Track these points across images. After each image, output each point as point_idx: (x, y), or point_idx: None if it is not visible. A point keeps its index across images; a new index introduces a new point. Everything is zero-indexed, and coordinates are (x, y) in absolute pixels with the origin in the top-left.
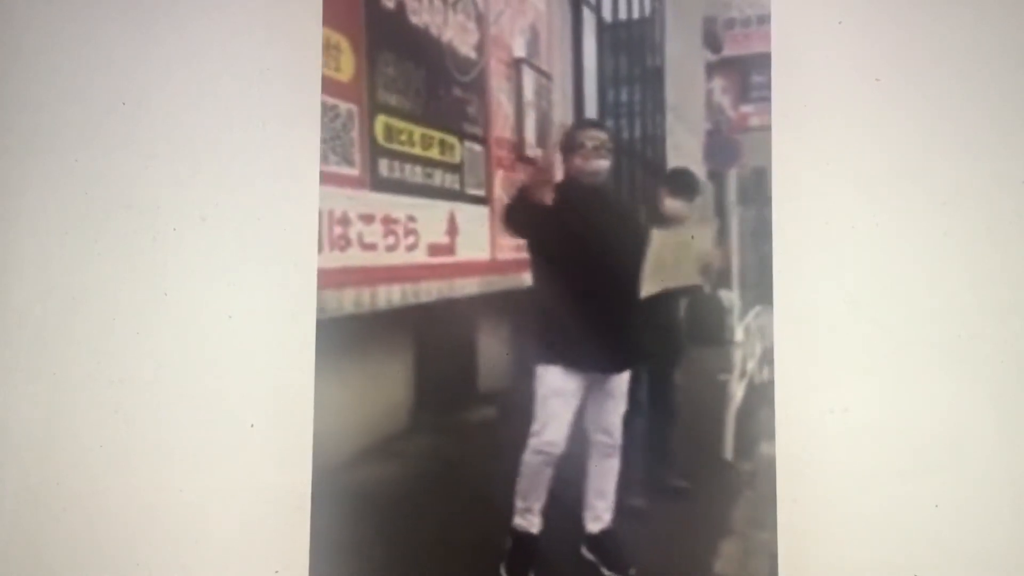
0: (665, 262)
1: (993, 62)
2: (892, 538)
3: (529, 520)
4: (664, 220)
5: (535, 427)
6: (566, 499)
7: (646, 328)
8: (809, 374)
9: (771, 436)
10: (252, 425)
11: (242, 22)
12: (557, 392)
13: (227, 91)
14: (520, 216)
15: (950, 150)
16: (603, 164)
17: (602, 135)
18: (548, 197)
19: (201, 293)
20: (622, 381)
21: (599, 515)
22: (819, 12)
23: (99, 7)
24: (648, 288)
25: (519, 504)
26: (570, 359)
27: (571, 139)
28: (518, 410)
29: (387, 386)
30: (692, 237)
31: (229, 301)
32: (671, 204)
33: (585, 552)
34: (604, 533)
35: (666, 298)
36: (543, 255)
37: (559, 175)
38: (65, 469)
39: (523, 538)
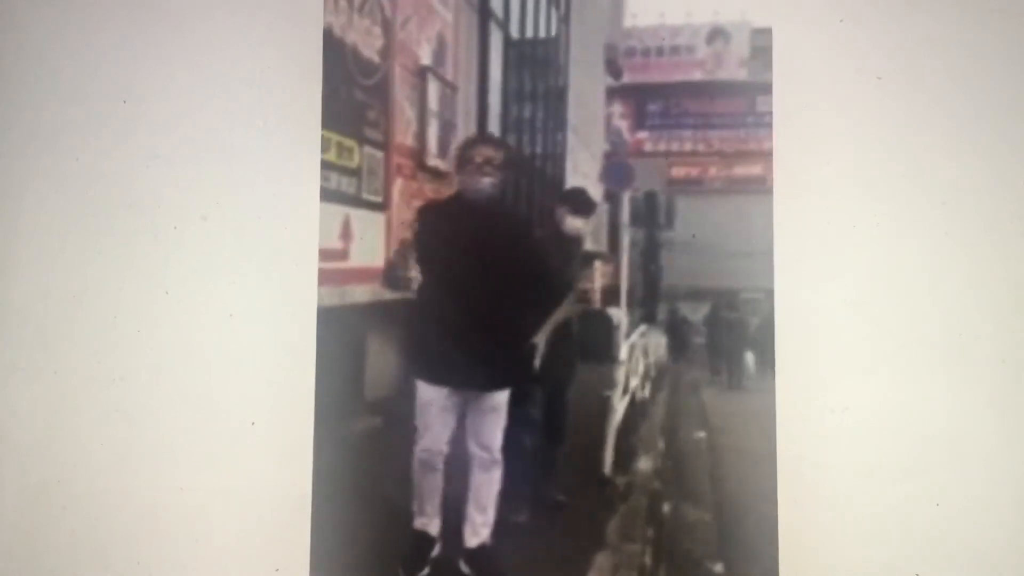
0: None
1: (994, 61)
2: (893, 537)
3: (424, 522)
4: (562, 236)
5: (417, 434)
6: (456, 508)
7: (542, 346)
8: (809, 373)
9: (648, 452)
10: (253, 423)
11: (243, 22)
12: (432, 404)
13: (228, 90)
14: (399, 274)
15: (951, 149)
16: (486, 180)
17: (491, 151)
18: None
19: (202, 292)
20: (501, 398)
21: (477, 530)
22: (821, 11)
23: (100, 6)
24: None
25: (415, 507)
26: (443, 376)
27: (462, 154)
28: (405, 419)
29: None
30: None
31: (230, 299)
32: (571, 221)
33: (462, 566)
34: (481, 548)
35: (562, 319)
36: (428, 269)
37: (452, 190)
38: (66, 467)
39: (421, 538)
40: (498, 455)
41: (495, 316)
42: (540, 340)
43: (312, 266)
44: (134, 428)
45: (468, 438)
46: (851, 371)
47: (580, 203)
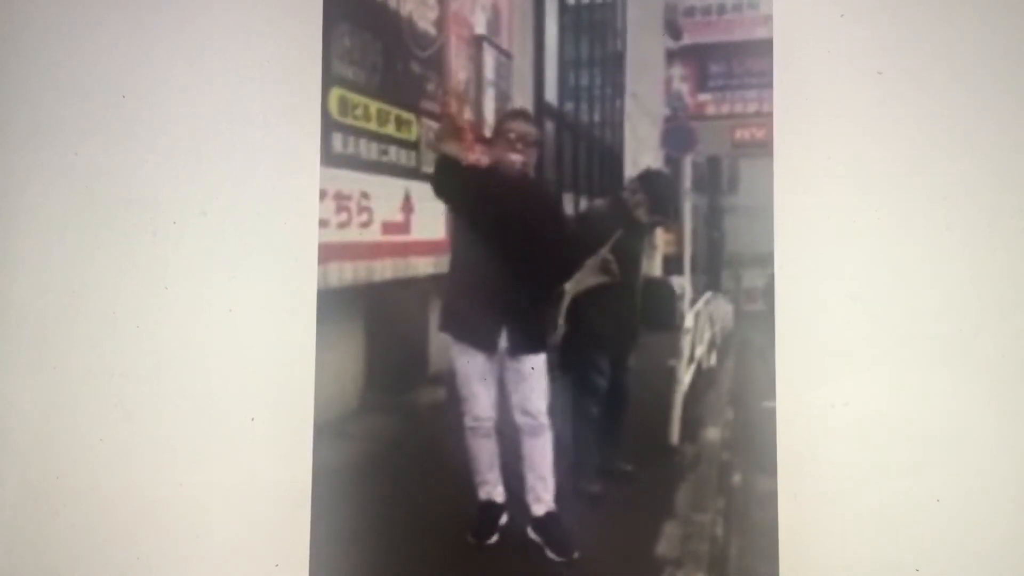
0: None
1: (995, 56)
2: (893, 533)
3: (489, 491)
4: (632, 222)
5: (466, 405)
6: (515, 476)
7: (597, 314)
8: (810, 368)
9: (716, 421)
10: (252, 419)
11: (242, 15)
12: (471, 373)
13: (227, 85)
14: (447, 178)
15: (952, 144)
16: (517, 158)
17: (526, 127)
18: (462, 151)
19: (201, 287)
20: (535, 363)
21: (540, 497)
22: (821, 5)
23: (99, 1)
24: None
25: (476, 479)
26: (470, 336)
27: (499, 127)
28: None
29: (337, 367)
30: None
31: (229, 295)
32: (645, 215)
33: (531, 533)
34: (548, 516)
35: (620, 285)
36: (460, 237)
37: (485, 160)
38: (65, 463)
39: (488, 506)
40: (544, 420)
41: (526, 283)
42: (567, 291)
43: (312, 261)
44: (133, 424)
45: (513, 409)
46: (852, 366)
47: (659, 197)
